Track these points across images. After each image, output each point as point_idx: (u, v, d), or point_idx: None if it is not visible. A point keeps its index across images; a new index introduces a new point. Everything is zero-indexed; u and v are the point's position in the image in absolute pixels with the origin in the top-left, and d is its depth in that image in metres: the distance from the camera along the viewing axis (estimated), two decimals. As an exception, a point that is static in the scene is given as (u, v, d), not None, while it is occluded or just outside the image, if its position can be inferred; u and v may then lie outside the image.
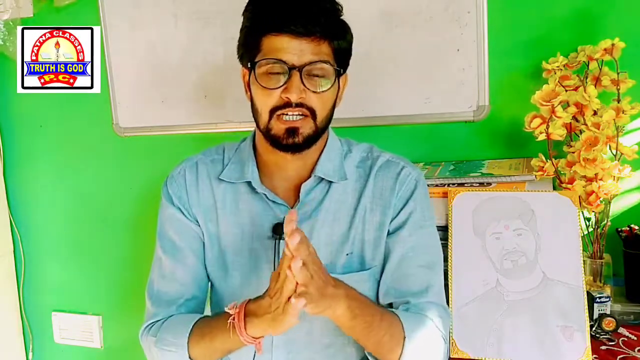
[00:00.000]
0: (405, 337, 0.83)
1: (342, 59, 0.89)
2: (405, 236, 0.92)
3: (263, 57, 0.84)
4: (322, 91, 0.86)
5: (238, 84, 0.95)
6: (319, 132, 0.89)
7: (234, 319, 0.80)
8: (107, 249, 1.75)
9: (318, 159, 0.94)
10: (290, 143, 0.86)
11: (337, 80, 0.88)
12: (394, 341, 0.83)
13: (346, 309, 0.78)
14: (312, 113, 0.86)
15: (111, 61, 1.61)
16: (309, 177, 0.93)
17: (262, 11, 0.85)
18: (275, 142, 0.87)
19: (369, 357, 0.88)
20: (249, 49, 0.87)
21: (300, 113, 0.85)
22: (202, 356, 0.87)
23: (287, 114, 0.85)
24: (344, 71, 0.92)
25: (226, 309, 0.82)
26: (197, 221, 0.96)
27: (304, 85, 0.84)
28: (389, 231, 0.93)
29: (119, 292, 1.76)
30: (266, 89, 0.85)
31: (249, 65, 0.87)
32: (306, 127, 0.86)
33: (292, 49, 0.82)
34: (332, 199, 0.94)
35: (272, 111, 0.86)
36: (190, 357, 0.87)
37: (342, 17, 0.89)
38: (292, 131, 0.85)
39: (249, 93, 0.91)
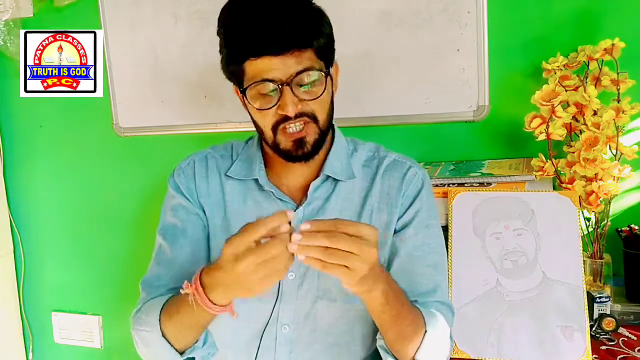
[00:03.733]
0: (426, 332, 0.82)
1: (325, 54, 0.87)
2: (412, 235, 0.92)
3: (250, 82, 0.83)
4: (317, 97, 0.85)
5: (238, 84, 0.95)
6: (324, 134, 0.90)
7: (194, 295, 0.74)
8: (107, 248, 1.75)
9: (326, 157, 0.94)
10: (300, 154, 0.87)
11: (327, 80, 0.86)
12: (415, 334, 0.82)
13: (381, 293, 0.75)
14: (314, 118, 0.86)
15: (111, 61, 1.60)
16: (317, 175, 0.94)
17: (236, 38, 0.84)
18: (286, 155, 0.88)
19: (381, 350, 0.86)
20: (233, 74, 0.87)
21: (302, 122, 0.85)
22: (174, 333, 0.82)
23: (289, 126, 0.85)
24: (332, 64, 0.90)
25: (182, 292, 0.75)
26: (204, 212, 0.97)
27: (298, 97, 0.83)
28: (395, 229, 0.93)
29: (119, 292, 1.76)
30: (261, 110, 0.85)
31: (240, 91, 0.87)
32: (311, 134, 0.87)
33: (275, 66, 0.81)
34: (338, 197, 0.94)
35: (275, 127, 0.86)
36: (164, 336, 0.82)
37: (313, 8, 0.86)
38: (300, 142, 0.86)
39: (246, 108, 0.91)
